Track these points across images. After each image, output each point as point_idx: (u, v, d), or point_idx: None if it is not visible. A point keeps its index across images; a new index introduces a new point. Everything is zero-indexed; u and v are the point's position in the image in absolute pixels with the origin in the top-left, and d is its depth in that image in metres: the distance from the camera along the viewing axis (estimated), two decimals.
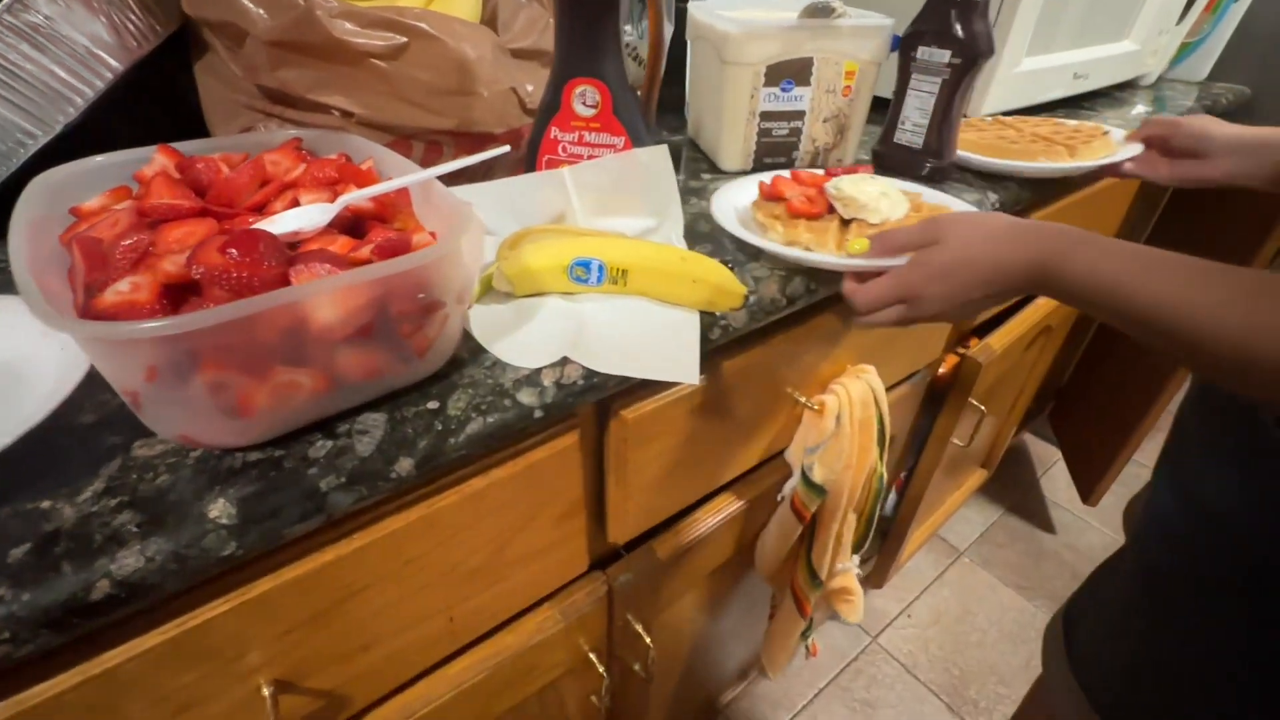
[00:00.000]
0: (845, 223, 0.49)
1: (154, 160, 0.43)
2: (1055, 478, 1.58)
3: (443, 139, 0.51)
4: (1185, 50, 1.15)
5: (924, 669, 1.19)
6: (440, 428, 0.34)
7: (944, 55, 0.61)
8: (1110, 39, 0.98)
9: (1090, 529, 1.46)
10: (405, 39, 0.44)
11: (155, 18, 0.47)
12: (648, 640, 0.60)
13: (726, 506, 0.63)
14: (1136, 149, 0.69)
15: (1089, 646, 0.52)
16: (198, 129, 0.52)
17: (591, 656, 0.57)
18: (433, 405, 0.35)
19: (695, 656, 0.81)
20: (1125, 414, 1.23)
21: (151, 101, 0.54)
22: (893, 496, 1.12)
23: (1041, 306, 0.99)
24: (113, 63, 0.46)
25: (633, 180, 0.46)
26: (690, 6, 0.71)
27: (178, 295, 0.30)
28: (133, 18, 0.46)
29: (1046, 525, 1.47)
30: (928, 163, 0.66)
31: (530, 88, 0.54)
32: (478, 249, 0.39)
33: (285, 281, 0.30)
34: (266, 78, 0.44)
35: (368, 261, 0.34)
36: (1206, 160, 0.58)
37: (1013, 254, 0.39)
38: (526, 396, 0.36)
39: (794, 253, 0.48)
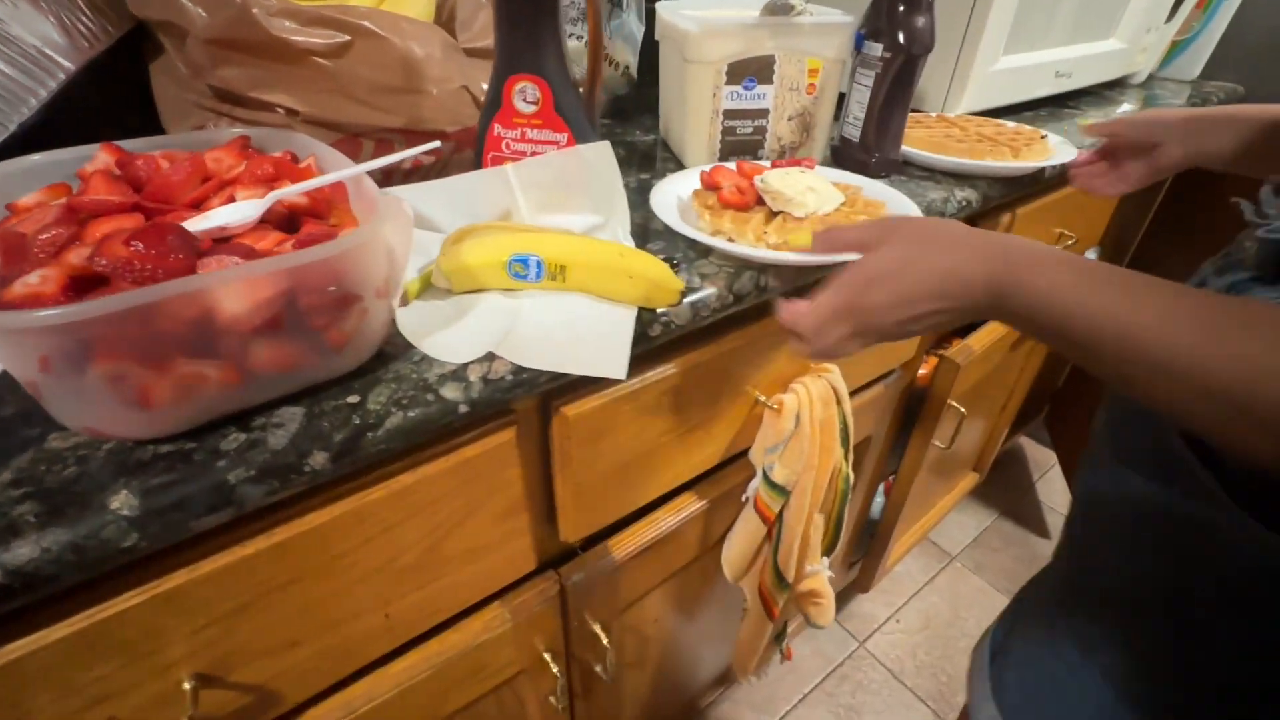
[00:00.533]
0: (775, 214, 0.49)
1: (97, 158, 0.43)
2: (1052, 482, 1.56)
3: (393, 137, 0.51)
4: (1176, 48, 1.14)
5: (911, 675, 1.17)
6: (359, 421, 0.34)
7: (877, 49, 0.61)
8: (1095, 37, 0.97)
9: None
10: (348, 37, 0.44)
11: (107, 18, 0.48)
12: (605, 641, 0.59)
13: (687, 506, 0.62)
14: (1068, 150, 0.70)
15: (1010, 669, 0.49)
16: (157, 128, 0.53)
17: (546, 657, 0.56)
18: (353, 399, 0.35)
19: (668, 658, 0.80)
20: None
21: (112, 101, 0.55)
22: (880, 499, 1.11)
23: None
24: (65, 63, 0.47)
25: (577, 177, 0.46)
26: (658, 6, 0.71)
27: (87, 288, 0.30)
28: (83, 19, 0.47)
29: (1041, 530, 1.45)
30: (872, 157, 0.66)
31: (485, 85, 0.54)
32: (405, 243, 0.39)
33: (191, 273, 0.30)
34: (210, 76, 0.44)
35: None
36: (1161, 148, 0.57)
37: (969, 263, 0.34)
38: (451, 391, 0.36)
39: (736, 248, 0.48)
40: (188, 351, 0.29)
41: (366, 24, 0.45)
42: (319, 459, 0.32)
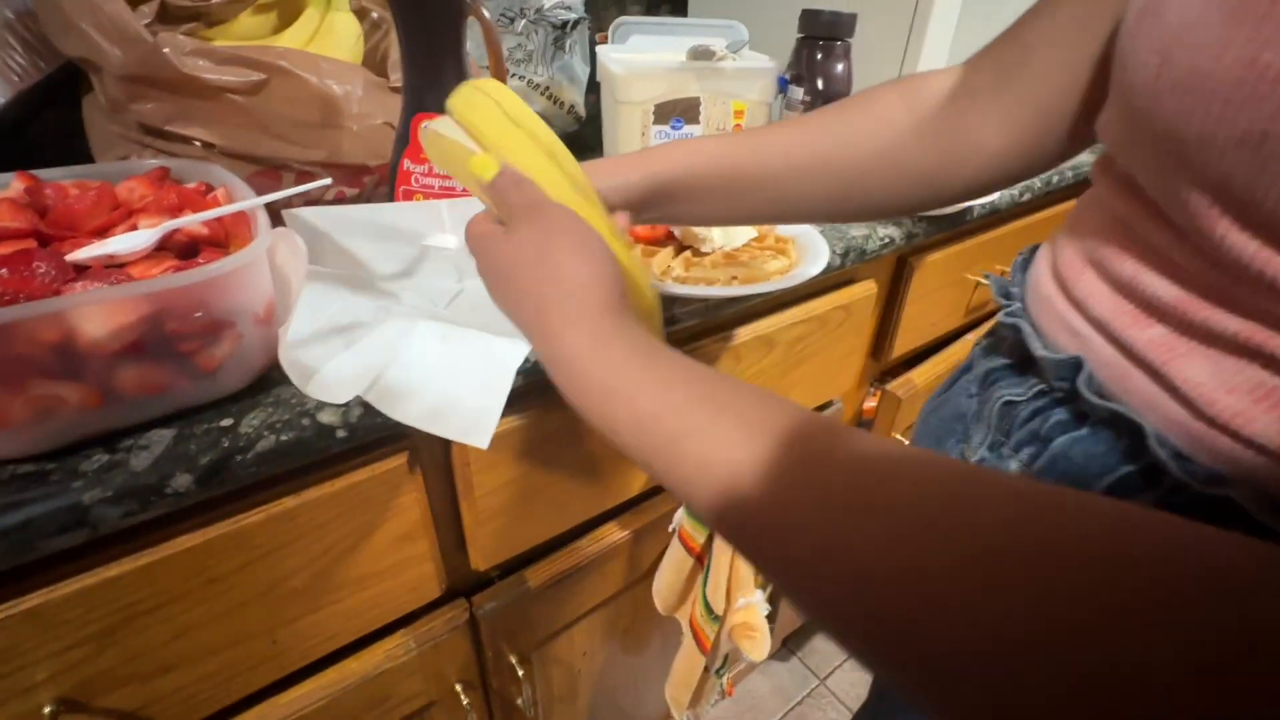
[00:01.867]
0: (681, 249, 0.51)
1: (10, 185, 0.45)
2: None
3: (315, 169, 0.53)
4: None
5: None
6: (228, 444, 0.34)
7: (799, 93, 0.64)
8: None
9: None
10: (264, 76, 0.46)
11: (38, 54, 0.50)
12: (520, 673, 0.58)
13: (609, 535, 0.62)
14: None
15: None
16: (88, 159, 0.55)
17: (458, 688, 0.56)
18: (226, 423, 0.35)
19: (604, 693, 0.79)
20: None
21: (45, 132, 0.57)
22: None
23: (969, 341, 0.99)
24: None
25: None
26: (597, 49, 0.74)
27: None
28: (15, 55, 0.49)
29: None
30: None
31: None
32: (291, 270, 0.40)
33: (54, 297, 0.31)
34: (126, 111, 0.46)
35: None
36: None
37: (521, 297, 0.28)
38: (328, 417, 0.37)
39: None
40: (45, 373, 0.30)
41: (282, 63, 0.47)
42: (182, 481, 0.33)
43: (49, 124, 0.56)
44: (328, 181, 0.42)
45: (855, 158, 0.37)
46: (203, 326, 0.33)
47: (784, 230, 0.58)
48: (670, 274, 0.51)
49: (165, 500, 0.33)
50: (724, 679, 0.82)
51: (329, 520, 0.41)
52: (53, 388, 0.30)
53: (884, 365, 0.89)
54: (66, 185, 0.44)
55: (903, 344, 0.88)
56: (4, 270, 0.30)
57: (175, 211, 0.43)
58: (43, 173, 0.46)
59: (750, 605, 0.73)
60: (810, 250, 0.55)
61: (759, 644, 0.73)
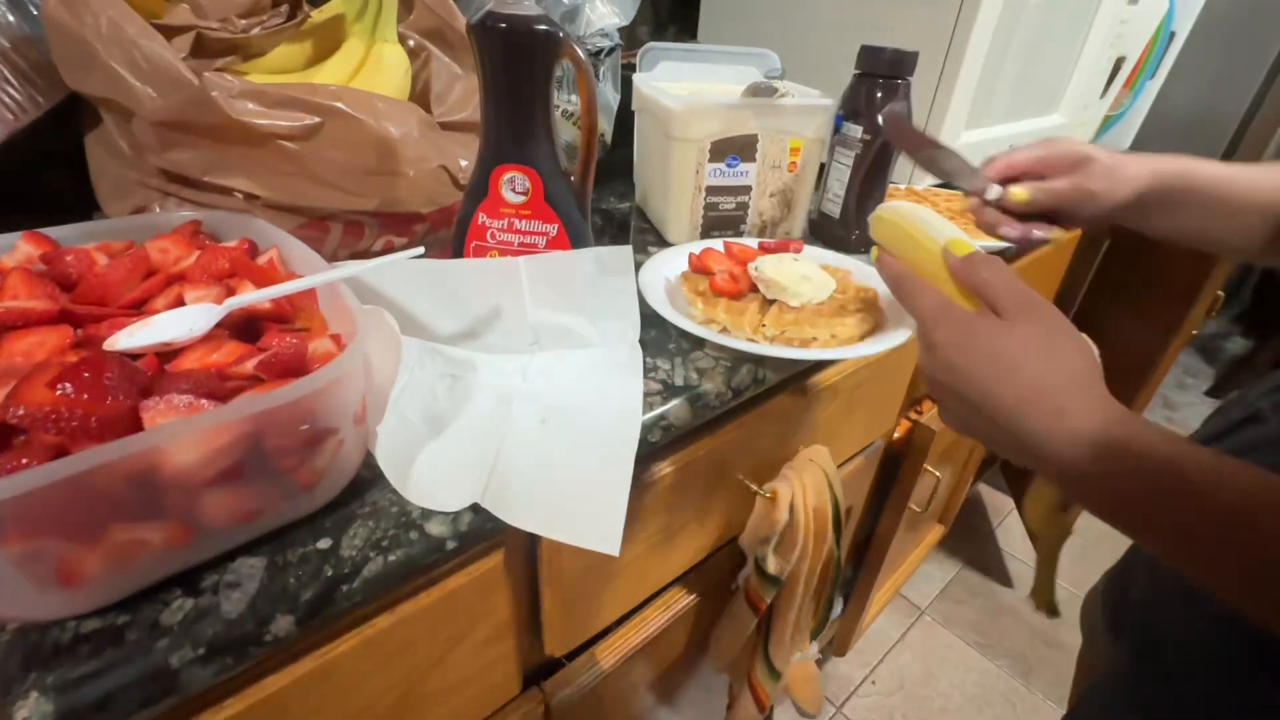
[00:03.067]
0: (768, 303, 0.48)
1: (17, 249, 0.38)
2: (1010, 528, 1.59)
3: (364, 219, 0.47)
4: (1108, 122, 1.22)
5: None
6: (331, 573, 0.29)
7: (857, 131, 0.62)
8: (1041, 113, 1.02)
9: None
10: (318, 119, 0.41)
11: (36, 88, 0.42)
12: None
13: (677, 602, 0.58)
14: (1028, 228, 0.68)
15: None
16: (91, 205, 0.47)
17: None
18: (323, 544, 0.30)
19: None
20: None
21: (41, 176, 0.49)
22: (853, 557, 1.10)
23: None
24: None
25: (590, 279, 0.43)
26: (635, 78, 0.70)
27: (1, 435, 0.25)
28: (9, 89, 0.42)
29: (1004, 579, 1.46)
30: (852, 234, 0.66)
31: (464, 163, 0.51)
32: (392, 356, 0.35)
33: (134, 418, 0.25)
34: (158, 159, 0.40)
35: (251, 378, 0.30)
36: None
37: (1040, 423, 0.28)
38: (437, 527, 0.32)
39: (733, 341, 0.46)
40: (125, 515, 0.24)
41: (339, 105, 0.42)
42: (283, 624, 0.27)
43: (40, 167, 0.48)
44: (421, 250, 0.37)
45: None
46: (306, 440, 0.28)
47: (861, 277, 0.56)
48: (764, 332, 0.47)
49: (263, 649, 0.27)
50: None
51: (421, 635, 0.36)
52: (134, 531, 0.24)
53: (912, 396, 0.89)
54: (90, 250, 0.37)
55: None
56: (68, 388, 0.24)
57: (224, 278, 0.37)
58: (53, 232, 0.39)
59: (807, 660, 0.70)
60: (891, 302, 0.53)
61: (815, 696, 0.71)
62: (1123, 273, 1.25)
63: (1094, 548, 1.55)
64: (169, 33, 0.39)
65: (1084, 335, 0.31)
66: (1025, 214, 0.45)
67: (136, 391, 0.26)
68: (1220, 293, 1.07)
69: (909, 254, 0.38)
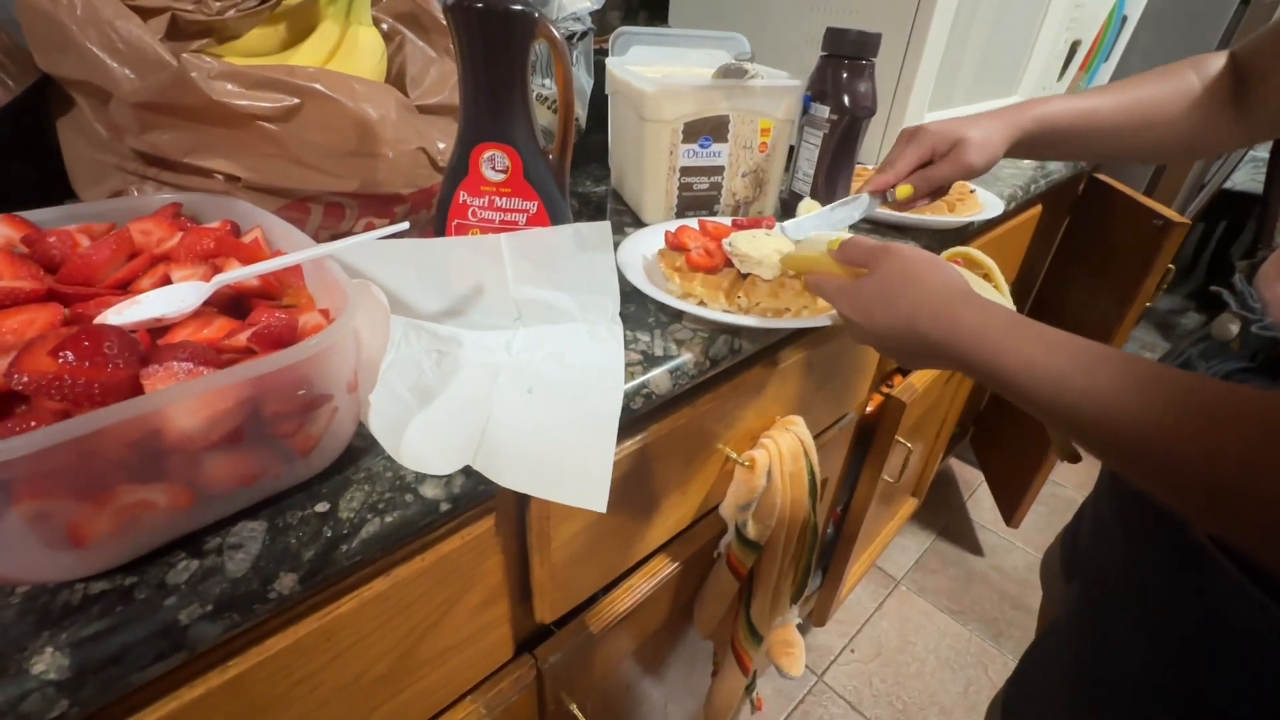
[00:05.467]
0: (742, 277, 0.50)
1: None
2: (980, 500, 1.65)
3: (344, 200, 0.48)
4: None
5: (869, 705, 1.19)
6: (330, 534, 0.30)
7: (824, 111, 0.64)
8: (1001, 95, 1.06)
9: (1015, 549, 1.52)
10: (297, 100, 0.41)
11: (5, 71, 0.42)
12: (583, 719, 0.56)
13: (661, 569, 0.60)
14: (996, 204, 0.76)
15: None
16: (65, 191, 0.47)
17: None
18: (321, 508, 0.31)
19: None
20: (1039, 436, 1.29)
21: (15, 159, 0.49)
22: (830, 530, 1.13)
23: None
24: None
25: (570, 254, 0.44)
26: (608, 62, 0.71)
27: (2, 405, 0.26)
28: None
29: (975, 548, 1.52)
30: None
31: (442, 145, 0.52)
32: (380, 329, 0.36)
33: (135, 386, 0.26)
34: (136, 141, 0.40)
35: (244, 350, 0.31)
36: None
37: (926, 324, 0.36)
38: (431, 490, 0.33)
39: (710, 313, 0.48)
40: (131, 478, 0.25)
41: (317, 86, 0.42)
42: (287, 582, 0.29)
43: (20, 149, 0.47)
44: (405, 225, 0.38)
45: (1158, 118, 0.56)
46: (303, 405, 0.29)
47: None
48: (739, 303, 0.49)
49: (269, 606, 0.28)
50: (753, 695, 0.83)
51: (418, 597, 0.38)
52: (140, 493, 0.25)
53: (884, 370, 0.92)
54: (72, 231, 0.38)
55: None
56: (69, 356, 0.25)
57: (210, 257, 0.38)
58: (32, 215, 0.39)
59: (788, 623, 0.73)
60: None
61: (797, 659, 0.74)
62: (1082, 250, 1.30)
63: (1058, 516, 1.62)
64: (144, 14, 0.39)
65: (929, 254, 0.40)
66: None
67: (136, 360, 0.27)
68: (1171, 266, 1.12)
69: (816, 269, 0.46)
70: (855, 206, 0.57)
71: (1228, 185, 2.25)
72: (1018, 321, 0.34)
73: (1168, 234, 1.04)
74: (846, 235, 0.45)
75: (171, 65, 0.37)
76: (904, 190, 0.57)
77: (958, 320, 0.36)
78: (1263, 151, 1.89)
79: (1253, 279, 0.40)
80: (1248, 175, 2.30)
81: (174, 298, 0.33)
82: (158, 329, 0.33)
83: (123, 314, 0.32)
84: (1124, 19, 1.22)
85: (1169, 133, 0.56)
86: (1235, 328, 0.38)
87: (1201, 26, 1.33)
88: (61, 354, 0.25)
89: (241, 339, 0.31)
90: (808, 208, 0.57)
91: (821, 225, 0.55)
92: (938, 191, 0.59)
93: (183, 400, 0.25)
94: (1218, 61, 0.55)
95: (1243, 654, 0.33)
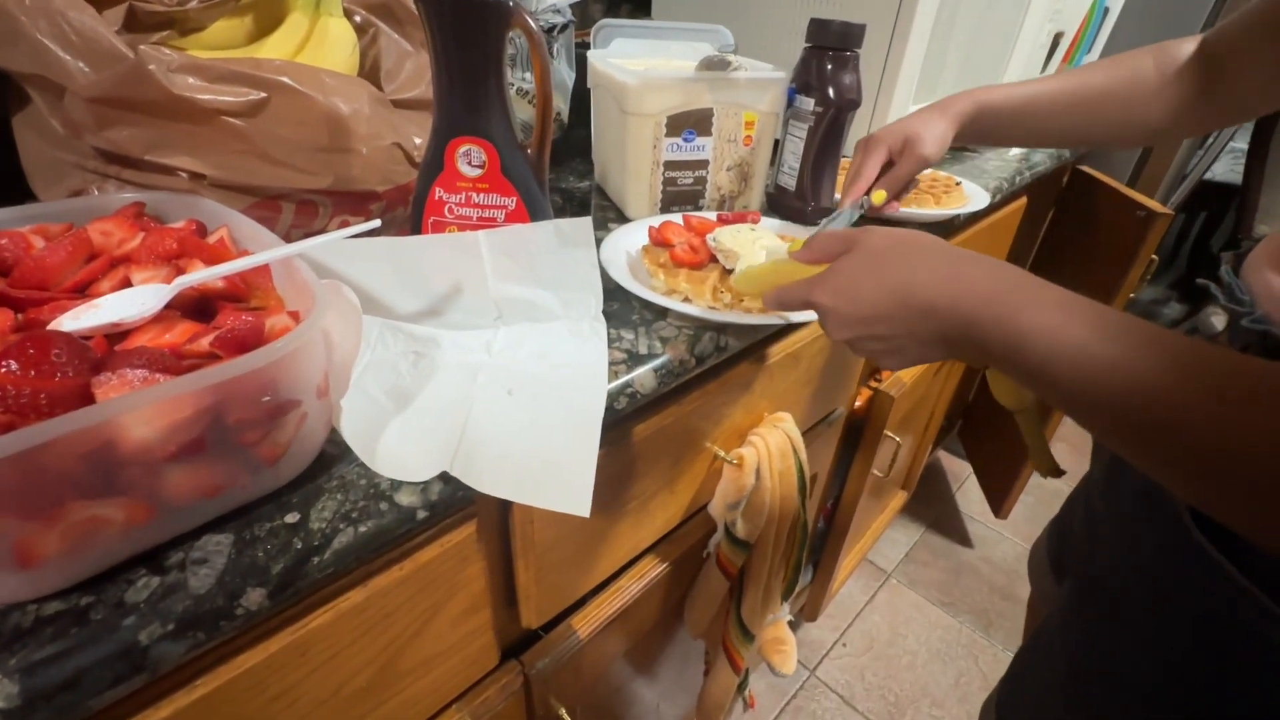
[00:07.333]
0: (727, 272, 0.49)
1: None
2: (969, 492, 1.66)
3: (317, 198, 0.46)
4: None
5: (861, 698, 1.19)
6: (300, 545, 0.29)
7: (809, 104, 0.63)
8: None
9: (1004, 540, 1.53)
10: (264, 94, 0.40)
11: None
12: None
13: (651, 570, 0.60)
14: (982, 196, 0.76)
15: None
16: (23, 191, 0.45)
17: None
18: (291, 518, 0.30)
19: None
20: None
21: None
22: (820, 524, 1.13)
23: None
24: None
25: (551, 251, 0.43)
26: (589, 55, 0.70)
27: None
28: None
29: (964, 540, 1.53)
30: (808, 205, 0.68)
31: (419, 140, 0.50)
32: (353, 330, 0.35)
33: (86, 395, 0.25)
34: (94, 138, 0.38)
35: (207, 355, 0.29)
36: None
37: (929, 285, 0.32)
38: (407, 497, 0.32)
39: (694, 309, 0.47)
40: (83, 493, 0.24)
41: (284, 79, 0.41)
42: (254, 597, 0.27)
43: None
44: (377, 223, 0.36)
45: (1107, 103, 0.57)
46: (268, 411, 0.28)
47: None
48: (722, 299, 0.48)
49: (235, 623, 0.27)
50: (746, 693, 0.82)
51: (397, 608, 0.36)
52: (93, 509, 0.24)
53: (872, 366, 0.91)
54: (25, 233, 0.36)
55: None
56: (12, 365, 0.23)
57: (172, 259, 0.36)
58: None
59: (779, 621, 0.73)
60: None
61: (789, 657, 0.74)
62: (1067, 241, 1.30)
63: (1045, 507, 1.63)
64: (100, 5, 0.37)
65: (899, 230, 0.37)
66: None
67: (87, 368, 0.25)
68: (1154, 257, 1.13)
69: (777, 281, 0.42)
70: (840, 220, 0.58)
71: (1208, 176, 2.27)
72: (1030, 280, 0.30)
73: (1151, 225, 1.05)
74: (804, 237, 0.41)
75: (128, 58, 0.35)
76: (879, 195, 0.60)
77: (960, 279, 0.31)
78: (1242, 142, 1.91)
79: (1239, 271, 0.39)
80: (1227, 166, 2.32)
81: (134, 301, 0.32)
82: (117, 334, 0.31)
83: (79, 319, 0.31)
84: (1106, 10, 1.22)
85: (1120, 115, 0.57)
86: (1221, 321, 0.38)
87: (1182, 16, 1.34)
88: (4, 363, 0.23)
89: (204, 343, 0.29)
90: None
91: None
92: (904, 190, 0.63)
93: (136, 410, 0.23)
94: (1186, 46, 0.56)
95: (1241, 654, 0.32)
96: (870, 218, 0.64)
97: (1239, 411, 0.23)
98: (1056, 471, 0.41)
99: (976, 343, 0.31)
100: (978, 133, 0.62)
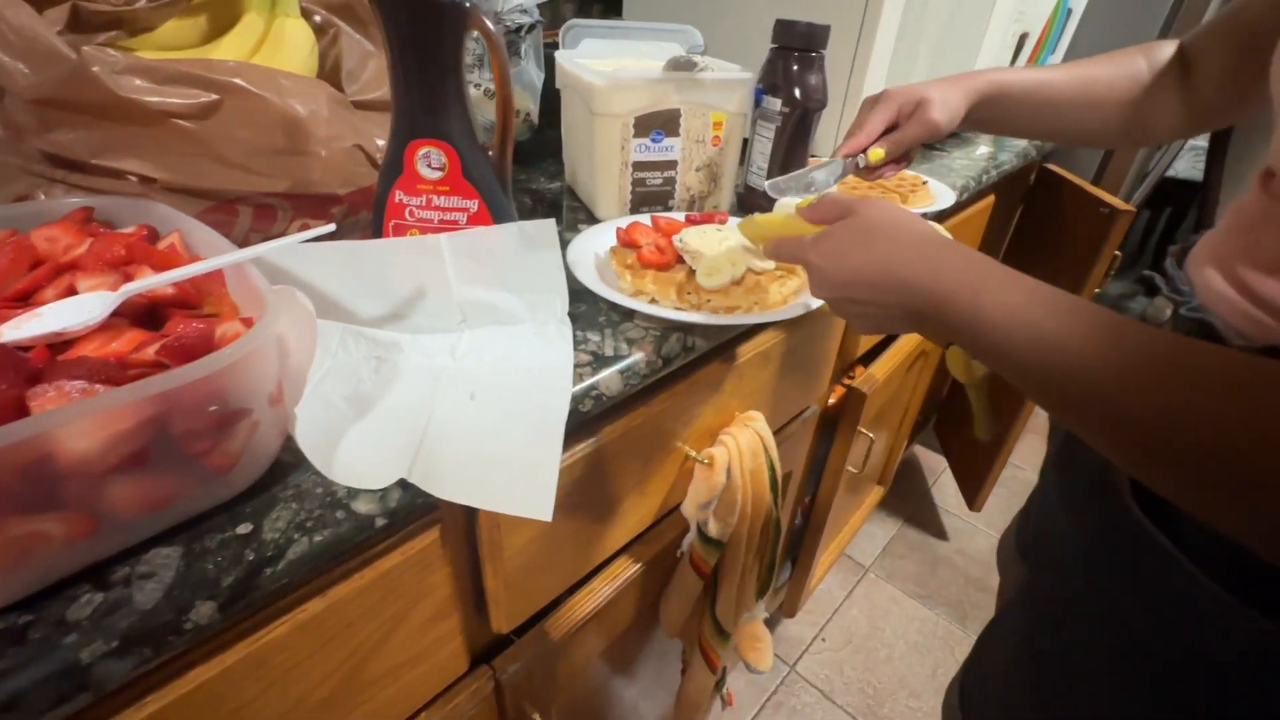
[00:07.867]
0: (693, 273, 0.49)
1: None
2: (944, 486, 1.68)
3: (276, 202, 0.45)
4: None
5: (840, 692, 1.20)
6: (253, 557, 0.28)
7: (776, 104, 0.64)
8: None
9: (978, 532, 1.55)
10: (215, 96, 0.39)
11: None
12: None
13: (623, 572, 0.60)
14: (949, 195, 0.77)
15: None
16: None
17: None
18: (244, 529, 0.29)
19: None
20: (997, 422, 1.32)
21: None
22: (797, 521, 1.14)
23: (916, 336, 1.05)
24: None
25: (515, 253, 0.43)
26: (557, 55, 0.70)
27: None
28: None
29: (940, 533, 1.55)
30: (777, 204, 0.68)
31: (381, 143, 0.49)
32: (307, 337, 0.34)
33: (20, 407, 0.24)
34: (38, 140, 0.37)
35: (154, 364, 0.29)
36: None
37: (910, 264, 0.35)
38: (365, 505, 0.32)
39: (661, 310, 0.47)
40: (19, 508, 0.23)
41: (237, 81, 0.40)
42: (204, 611, 0.27)
43: None
44: (332, 227, 0.36)
45: (1106, 98, 0.57)
46: (217, 421, 0.27)
47: None
48: (689, 300, 0.49)
49: (184, 638, 0.27)
50: (724, 690, 0.82)
51: (358, 617, 0.36)
52: (31, 524, 0.23)
53: (845, 362, 0.92)
54: None
55: (865, 340, 0.92)
56: None
57: (121, 265, 0.35)
58: None
59: (754, 619, 0.73)
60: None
61: (764, 655, 0.74)
62: (1034, 238, 1.33)
63: (1017, 499, 1.66)
64: (41, 4, 0.36)
65: (898, 208, 0.38)
66: (889, 160, 0.59)
67: (22, 380, 0.24)
68: (1118, 253, 1.15)
69: (778, 233, 0.45)
70: (831, 170, 0.57)
71: (1170, 173, 2.33)
72: (1002, 268, 0.33)
73: (1114, 221, 1.07)
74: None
75: (70, 58, 0.34)
76: (876, 154, 0.57)
77: (940, 261, 0.34)
78: (1202, 141, 1.96)
79: (1183, 263, 0.40)
80: (1189, 164, 2.39)
81: (78, 309, 0.31)
82: (61, 344, 0.30)
83: (20, 328, 0.30)
84: (1069, 11, 1.25)
85: (1115, 113, 0.58)
86: (1169, 311, 0.39)
87: (1142, 18, 1.37)
88: None
89: (150, 352, 0.29)
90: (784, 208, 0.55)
91: (798, 183, 0.56)
92: (905, 155, 0.60)
93: (73, 422, 0.23)
94: (1168, 49, 0.57)
95: (1186, 629, 0.33)
96: (863, 178, 0.63)
97: (1167, 381, 0.25)
98: (993, 435, 0.44)
99: (943, 320, 0.33)
100: (989, 115, 0.60)
